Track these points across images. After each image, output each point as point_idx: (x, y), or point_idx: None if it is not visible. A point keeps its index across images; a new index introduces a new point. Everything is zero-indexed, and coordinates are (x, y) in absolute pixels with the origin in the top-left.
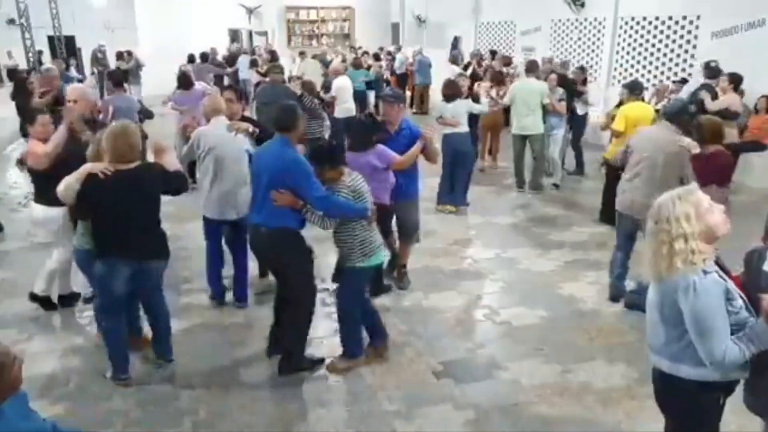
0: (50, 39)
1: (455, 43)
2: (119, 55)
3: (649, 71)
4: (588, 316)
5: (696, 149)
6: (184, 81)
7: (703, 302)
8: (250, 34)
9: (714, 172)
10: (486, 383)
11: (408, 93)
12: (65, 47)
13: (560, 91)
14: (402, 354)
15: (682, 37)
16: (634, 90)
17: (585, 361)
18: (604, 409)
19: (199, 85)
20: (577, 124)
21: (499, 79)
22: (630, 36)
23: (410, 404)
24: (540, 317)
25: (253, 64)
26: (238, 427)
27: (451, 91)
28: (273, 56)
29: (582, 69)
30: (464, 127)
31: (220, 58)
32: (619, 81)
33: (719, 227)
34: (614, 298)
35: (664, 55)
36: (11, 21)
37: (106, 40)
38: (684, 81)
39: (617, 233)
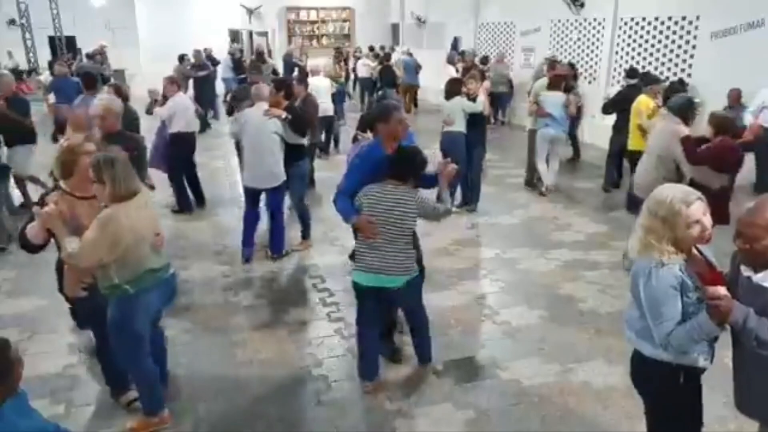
0: (51, 39)
1: (455, 43)
2: (89, 56)
3: (649, 72)
4: (588, 316)
5: (683, 133)
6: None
7: (654, 288)
8: (251, 34)
9: (710, 157)
10: (486, 383)
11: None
12: (66, 47)
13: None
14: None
15: (681, 37)
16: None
17: (585, 361)
18: (604, 409)
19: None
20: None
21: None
22: (629, 36)
23: (410, 404)
24: (540, 317)
25: (238, 65)
26: (238, 427)
27: (449, 89)
28: (260, 57)
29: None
30: (457, 127)
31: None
32: (618, 81)
33: (688, 242)
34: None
35: (664, 55)
36: (12, 21)
37: (107, 40)
38: (681, 82)
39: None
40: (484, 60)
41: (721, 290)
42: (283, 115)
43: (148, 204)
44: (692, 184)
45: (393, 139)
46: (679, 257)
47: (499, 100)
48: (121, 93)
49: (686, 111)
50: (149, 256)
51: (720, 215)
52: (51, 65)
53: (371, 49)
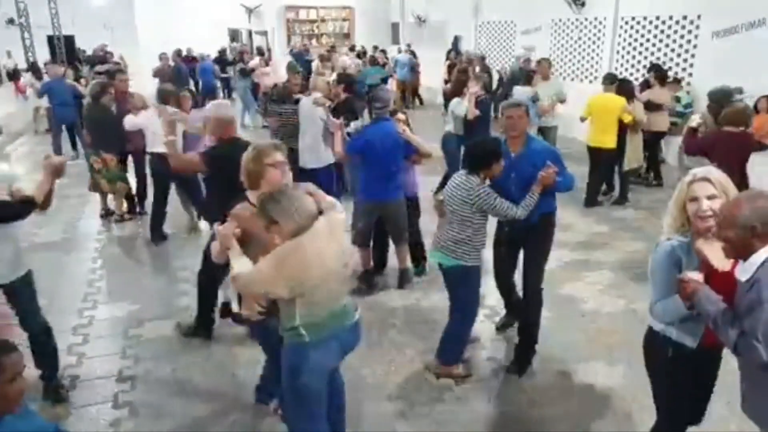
0: (50, 39)
1: (455, 43)
2: (102, 60)
3: (649, 71)
4: (588, 316)
5: (692, 124)
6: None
7: (654, 259)
8: (250, 33)
9: (700, 149)
10: (486, 383)
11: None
12: (65, 47)
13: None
14: (402, 354)
15: (682, 36)
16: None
17: (585, 361)
18: (606, 410)
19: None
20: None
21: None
22: (630, 36)
23: (410, 404)
24: (541, 317)
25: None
26: (238, 428)
27: (453, 88)
28: (241, 57)
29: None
30: (448, 127)
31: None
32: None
33: (694, 220)
34: None
35: (665, 54)
36: (11, 21)
37: (106, 39)
38: (678, 81)
39: None
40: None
41: (693, 274)
42: (327, 103)
43: (335, 227)
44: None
45: (509, 135)
46: (679, 234)
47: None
48: (106, 90)
49: (721, 101)
50: (337, 293)
51: None
52: (32, 66)
53: (352, 48)
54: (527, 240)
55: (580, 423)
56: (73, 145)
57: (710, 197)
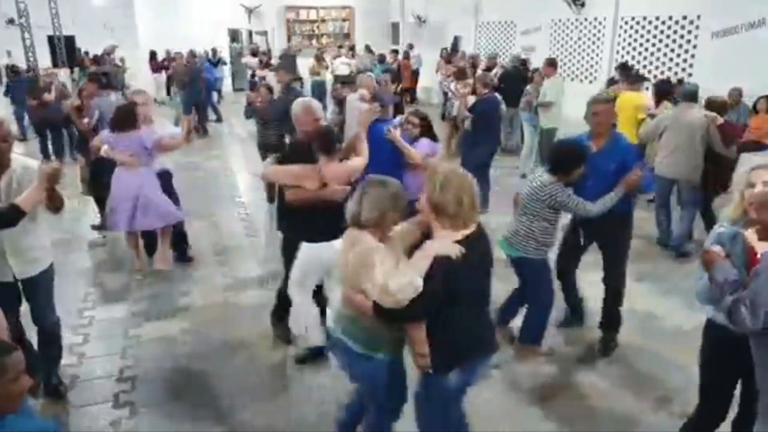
0: (50, 39)
1: (455, 43)
2: (101, 59)
3: (649, 71)
4: (589, 317)
5: (720, 120)
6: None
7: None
8: (250, 33)
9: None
10: (486, 383)
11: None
12: (65, 47)
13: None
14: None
15: (682, 36)
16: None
17: (585, 361)
18: (605, 410)
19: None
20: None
21: (459, 76)
22: (630, 36)
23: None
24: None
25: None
26: (237, 427)
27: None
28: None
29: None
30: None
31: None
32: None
33: (748, 207)
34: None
35: (665, 54)
36: (11, 21)
37: (106, 40)
38: (681, 81)
39: (657, 194)
40: (475, 62)
41: (716, 248)
42: (368, 101)
43: (356, 245)
44: (718, 157)
45: (596, 134)
46: (732, 222)
47: None
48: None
49: (697, 96)
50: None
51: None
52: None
53: (351, 48)
54: (603, 240)
55: (580, 424)
56: (70, 148)
57: (764, 182)
